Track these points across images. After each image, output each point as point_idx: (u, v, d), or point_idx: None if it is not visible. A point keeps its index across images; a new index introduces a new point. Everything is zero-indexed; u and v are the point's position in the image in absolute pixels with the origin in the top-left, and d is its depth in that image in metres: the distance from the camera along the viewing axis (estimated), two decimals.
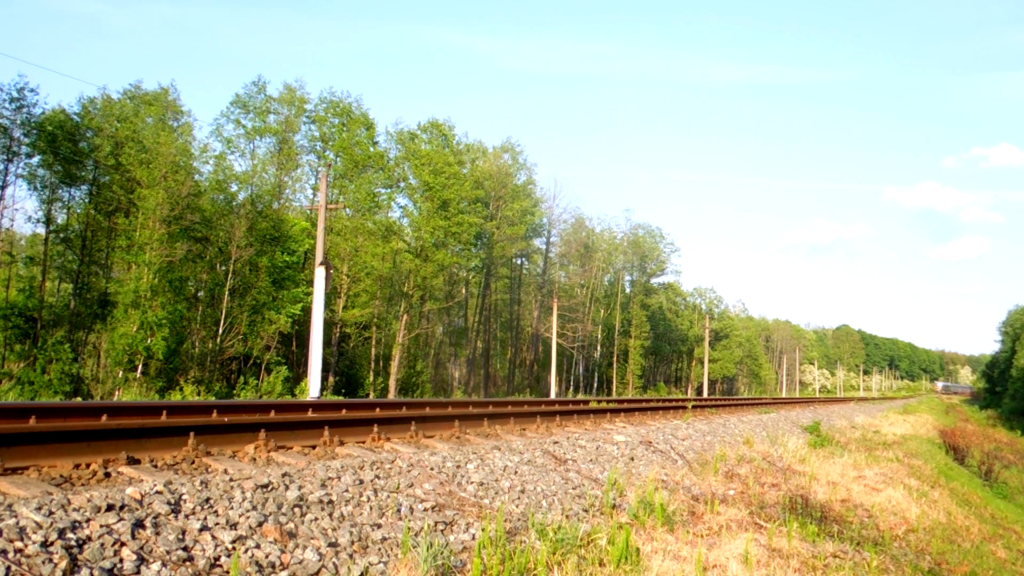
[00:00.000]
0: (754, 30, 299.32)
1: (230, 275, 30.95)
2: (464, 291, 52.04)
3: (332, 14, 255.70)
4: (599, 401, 23.00)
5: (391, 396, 36.45)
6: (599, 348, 66.52)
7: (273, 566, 4.36)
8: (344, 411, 11.64)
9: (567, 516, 6.56)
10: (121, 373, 25.66)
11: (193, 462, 6.36)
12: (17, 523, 3.88)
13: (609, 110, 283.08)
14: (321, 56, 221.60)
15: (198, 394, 23.16)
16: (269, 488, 5.27)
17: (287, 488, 5.36)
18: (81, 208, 31.58)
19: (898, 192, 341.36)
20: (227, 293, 30.85)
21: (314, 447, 7.70)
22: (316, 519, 5.08)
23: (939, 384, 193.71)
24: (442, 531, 5.58)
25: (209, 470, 6.23)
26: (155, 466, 6.12)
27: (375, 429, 8.70)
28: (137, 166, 28.29)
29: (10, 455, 5.53)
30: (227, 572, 4.13)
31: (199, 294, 32.29)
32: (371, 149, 39.27)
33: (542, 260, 59.82)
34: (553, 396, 46.65)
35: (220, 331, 30.69)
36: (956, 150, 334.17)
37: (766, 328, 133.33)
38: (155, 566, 3.93)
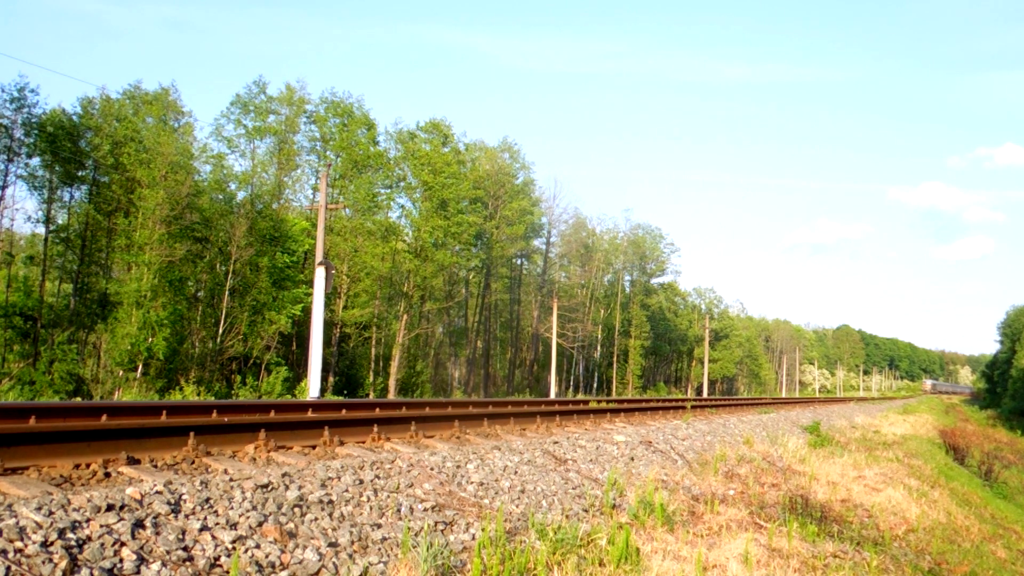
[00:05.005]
0: (756, 30, 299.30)
1: (230, 275, 30.94)
2: (464, 291, 52.04)
3: (333, 14, 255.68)
4: (599, 401, 22.99)
5: (391, 396, 36.45)
6: (599, 348, 66.52)
7: (273, 566, 4.36)
8: (344, 411, 11.64)
9: (567, 516, 6.56)
10: (121, 373, 25.66)
11: (193, 462, 6.36)
12: (17, 523, 3.88)
13: (610, 110, 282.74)
14: (322, 56, 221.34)
15: (198, 394, 23.15)
16: (269, 488, 5.27)
17: (287, 488, 5.36)
18: (81, 208, 31.58)
19: (902, 192, 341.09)
20: (227, 293, 30.85)
21: (314, 447, 7.70)
22: (316, 519, 5.08)
23: (928, 383, 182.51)
24: (442, 531, 5.58)
25: (209, 470, 6.23)
26: (155, 466, 6.12)
27: (375, 429, 8.70)
28: (137, 166, 28.29)
29: (10, 455, 5.53)
30: (227, 572, 4.13)
31: (199, 294, 32.29)
32: (371, 149, 39.29)
33: (542, 260, 59.84)
34: (553, 396, 46.65)
35: (220, 331, 30.69)
36: (961, 150, 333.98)
37: (766, 328, 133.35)
38: (155, 566, 3.93)
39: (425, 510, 5.83)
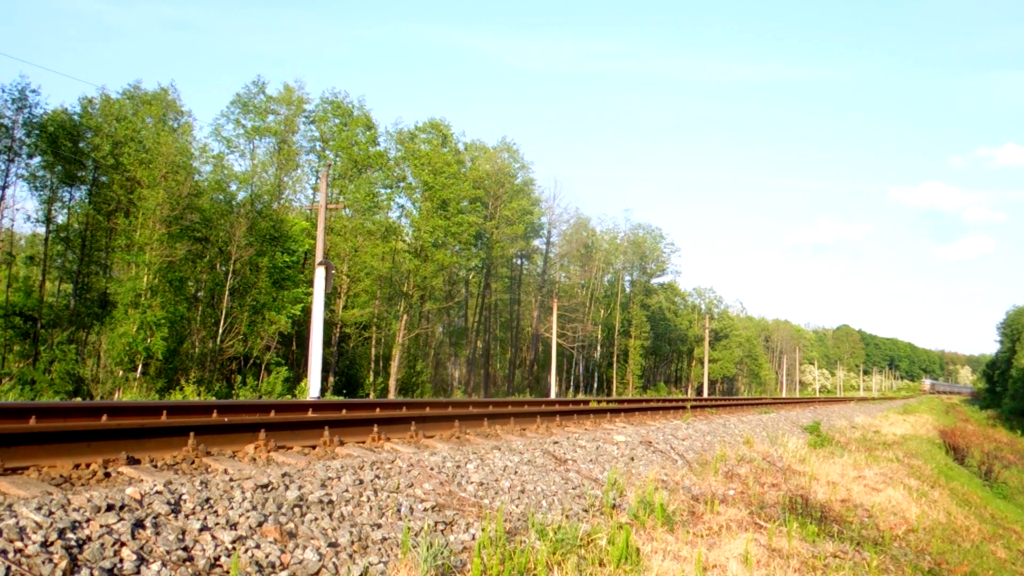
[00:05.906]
0: (756, 30, 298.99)
1: (230, 275, 30.95)
2: (464, 291, 52.04)
3: (333, 14, 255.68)
4: (599, 401, 22.99)
5: (391, 396, 36.45)
6: (599, 348, 66.52)
7: (273, 566, 4.36)
8: (344, 411, 11.64)
9: (567, 516, 6.55)
10: (121, 373, 25.66)
11: (193, 462, 6.35)
12: (17, 523, 3.88)
13: (610, 110, 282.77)
14: (322, 56, 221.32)
15: (198, 394, 23.15)
16: (269, 488, 5.27)
17: (287, 488, 5.36)
18: (81, 208, 31.58)
19: (902, 192, 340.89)
20: (227, 293, 30.85)
21: (314, 447, 7.70)
22: (316, 519, 5.08)
23: (927, 383, 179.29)
24: (442, 531, 5.58)
25: (209, 470, 6.23)
26: (155, 466, 6.12)
27: (375, 429, 8.69)
28: (137, 166, 28.30)
29: (10, 455, 5.53)
30: (227, 572, 4.13)
31: (199, 294, 32.29)
32: (371, 149, 39.29)
33: (542, 260, 59.84)
34: (553, 396, 46.64)
35: (220, 331, 30.69)
36: (962, 150, 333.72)
37: (766, 328, 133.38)
38: (155, 566, 3.93)
39: (425, 510, 5.83)
